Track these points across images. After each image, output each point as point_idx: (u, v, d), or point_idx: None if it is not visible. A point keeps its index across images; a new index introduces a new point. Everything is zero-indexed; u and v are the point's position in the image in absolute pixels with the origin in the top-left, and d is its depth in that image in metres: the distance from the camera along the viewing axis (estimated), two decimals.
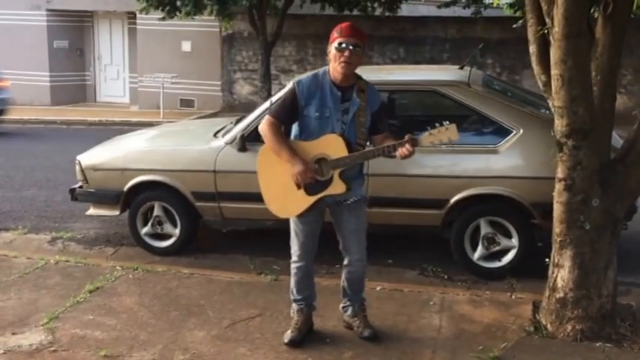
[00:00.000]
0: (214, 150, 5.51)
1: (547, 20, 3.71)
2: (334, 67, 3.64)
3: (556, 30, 3.61)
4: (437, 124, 3.53)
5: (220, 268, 5.40)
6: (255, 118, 5.49)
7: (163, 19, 14.21)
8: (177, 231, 5.72)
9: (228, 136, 5.55)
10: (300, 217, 3.82)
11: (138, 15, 15.68)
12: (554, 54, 3.69)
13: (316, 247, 4.00)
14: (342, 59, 3.57)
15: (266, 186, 3.85)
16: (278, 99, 3.81)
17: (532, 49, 4.05)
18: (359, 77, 3.75)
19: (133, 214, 5.76)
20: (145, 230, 5.77)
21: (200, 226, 5.90)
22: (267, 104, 5.55)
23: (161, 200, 5.69)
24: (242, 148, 5.35)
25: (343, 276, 4.09)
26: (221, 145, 5.52)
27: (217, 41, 17.21)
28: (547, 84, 3.97)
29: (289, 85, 5.55)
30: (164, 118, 14.96)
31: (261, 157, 3.84)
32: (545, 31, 3.79)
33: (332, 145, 3.64)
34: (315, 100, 3.64)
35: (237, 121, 5.90)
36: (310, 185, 3.69)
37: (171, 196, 5.64)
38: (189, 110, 17.10)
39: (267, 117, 3.73)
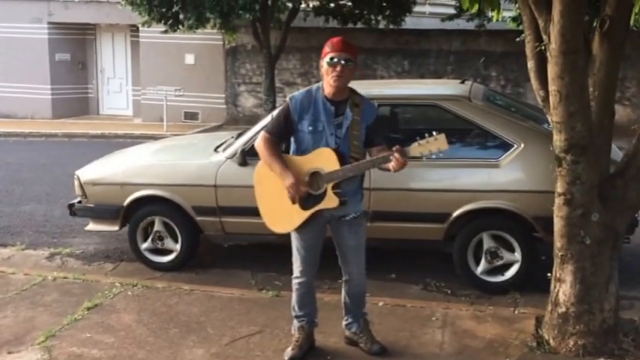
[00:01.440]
0: (215, 164, 5.55)
1: (544, 37, 3.75)
2: (327, 82, 3.70)
3: (553, 47, 3.65)
4: (426, 135, 3.55)
5: (221, 284, 5.42)
6: (256, 133, 5.50)
7: (166, 32, 14.28)
8: (178, 246, 5.74)
9: (229, 151, 5.59)
10: (300, 231, 3.86)
11: (140, 28, 15.76)
12: (552, 70, 3.73)
13: (318, 263, 4.03)
14: (334, 74, 3.63)
15: (262, 201, 3.91)
16: (274, 116, 3.92)
17: (530, 64, 4.10)
18: (354, 91, 3.81)
19: (133, 229, 5.78)
20: (145, 245, 5.79)
21: (201, 241, 5.92)
22: (268, 118, 5.59)
23: (162, 215, 5.71)
24: (243, 163, 5.39)
25: (344, 292, 4.12)
26: (222, 160, 5.56)
27: (221, 54, 17.30)
28: (545, 99, 4.01)
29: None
30: (168, 131, 15.00)
31: (258, 172, 3.90)
32: (543, 47, 3.83)
33: (324, 159, 3.69)
34: (308, 115, 3.72)
35: (239, 136, 5.94)
36: (304, 199, 3.74)
37: (172, 210, 5.67)
38: (193, 123, 17.14)
39: (262, 133, 3.83)
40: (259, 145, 3.79)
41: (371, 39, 15.82)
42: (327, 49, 3.67)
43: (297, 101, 3.75)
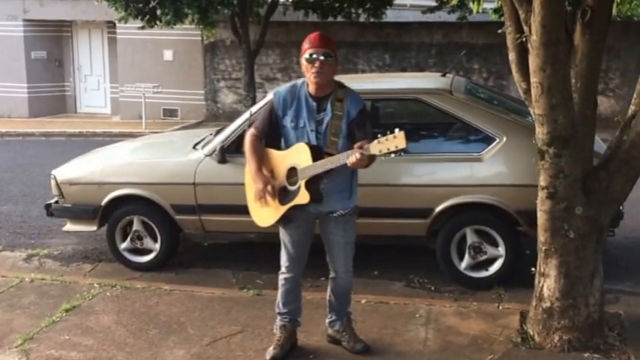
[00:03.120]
0: (194, 162, 5.51)
1: (525, 28, 3.74)
2: (308, 78, 3.70)
3: (534, 38, 3.63)
4: (388, 132, 3.42)
5: (202, 284, 5.39)
6: (235, 129, 5.49)
7: (143, 28, 14.18)
8: (157, 246, 5.70)
9: (208, 148, 5.55)
10: (287, 226, 3.86)
11: (117, 24, 15.64)
12: (533, 62, 3.72)
13: (305, 259, 4.01)
14: (314, 70, 3.63)
15: (250, 196, 3.92)
16: (258, 110, 3.90)
17: (511, 56, 4.08)
18: (341, 86, 3.78)
19: (112, 229, 5.73)
20: (123, 245, 5.75)
21: (181, 240, 5.89)
22: (246, 115, 5.55)
23: (140, 214, 5.68)
24: (222, 160, 5.36)
25: (329, 289, 4.10)
26: (200, 157, 5.52)
27: (199, 50, 17.20)
28: (527, 91, 3.99)
29: (268, 96, 5.60)
30: (147, 129, 14.90)
31: (247, 167, 3.91)
32: (524, 39, 3.82)
33: (298, 155, 3.68)
34: (291, 111, 3.73)
35: (217, 132, 5.90)
36: (282, 195, 3.75)
37: (151, 209, 5.63)
38: (172, 120, 17.05)
39: (250, 130, 3.85)
40: (245, 140, 3.83)
41: (351, 33, 15.80)
42: (305, 45, 3.67)
43: (281, 97, 3.76)
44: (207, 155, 5.49)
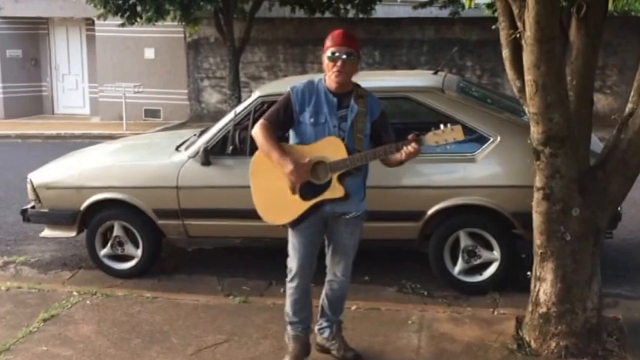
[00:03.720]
0: (176, 164, 5.50)
1: (519, 24, 3.75)
2: (328, 77, 3.71)
3: (528, 34, 3.65)
4: (441, 125, 3.60)
5: (185, 291, 5.38)
6: (219, 130, 5.49)
7: (123, 25, 14.14)
8: (139, 252, 5.69)
9: (191, 150, 5.54)
10: (299, 227, 3.80)
11: (96, 21, 15.59)
12: (527, 59, 3.73)
13: (316, 264, 3.95)
14: (335, 69, 3.65)
15: (259, 193, 3.84)
16: (274, 106, 3.83)
17: (505, 53, 4.10)
18: (357, 85, 3.82)
19: (91, 235, 5.72)
20: (104, 252, 5.73)
21: (164, 245, 5.88)
22: (231, 115, 5.55)
23: (121, 219, 5.66)
24: (206, 162, 5.36)
25: (324, 293, 4.07)
26: (183, 159, 5.51)
27: (182, 48, 17.17)
28: (522, 89, 4.01)
29: (253, 95, 5.59)
30: (127, 130, 14.87)
31: (254, 164, 3.84)
32: (518, 35, 3.83)
33: (331, 148, 3.66)
34: (310, 107, 3.71)
35: (201, 134, 5.89)
36: (305, 190, 3.70)
37: (132, 214, 5.62)
38: (154, 121, 17.01)
39: (260, 120, 3.78)
40: (256, 132, 3.73)
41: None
42: (327, 42, 3.69)
43: (299, 91, 3.74)
44: (190, 157, 5.48)
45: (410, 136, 3.61)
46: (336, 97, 3.72)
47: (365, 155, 3.67)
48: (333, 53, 3.64)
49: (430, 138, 3.61)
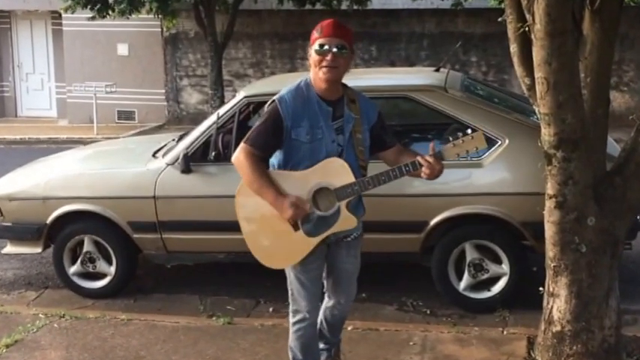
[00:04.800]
0: (153, 172, 5.50)
1: (528, 16, 3.77)
2: (316, 74, 3.48)
3: (538, 27, 3.66)
4: (459, 134, 3.52)
5: (164, 312, 5.38)
6: (201, 134, 5.50)
7: (93, 18, 14.12)
8: (112, 269, 5.69)
9: (170, 156, 5.55)
10: (304, 262, 3.60)
11: (63, 14, 15.56)
12: (537, 55, 3.74)
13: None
14: (324, 63, 3.41)
15: (253, 234, 3.63)
16: (257, 124, 3.57)
17: (513, 48, 4.11)
18: (345, 86, 3.62)
19: (59, 251, 5.70)
20: (73, 269, 5.72)
21: (139, 262, 5.88)
22: (214, 117, 5.56)
23: (92, 233, 5.65)
24: (186, 170, 5.36)
25: (322, 316, 3.96)
26: (161, 167, 5.51)
27: (159, 43, 17.17)
28: (531, 88, 4.02)
29: (238, 96, 5.60)
30: (99, 134, 14.87)
31: (241, 197, 3.61)
32: (527, 29, 3.85)
33: (334, 172, 3.48)
34: (304, 121, 3.48)
35: (180, 138, 5.90)
36: (310, 224, 3.51)
37: (104, 227, 5.61)
38: (128, 124, 17.00)
39: (242, 146, 3.50)
40: (241, 163, 3.48)
41: None
42: (315, 34, 3.46)
43: (289, 104, 3.48)
44: (169, 164, 5.48)
45: (430, 152, 3.46)
46: (330, 106, 3.52)
47: (377, 178, 3.49)
48: (321, 45, 3.40)
49: (450, 150, 3.50)
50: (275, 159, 3.58)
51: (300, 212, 3.45)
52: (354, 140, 3.56)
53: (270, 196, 3.44)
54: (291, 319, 3.76)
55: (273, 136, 3.49)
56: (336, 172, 3.49)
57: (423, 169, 3.46)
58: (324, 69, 3.42)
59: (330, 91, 3.52)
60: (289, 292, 3.73)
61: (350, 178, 3.48)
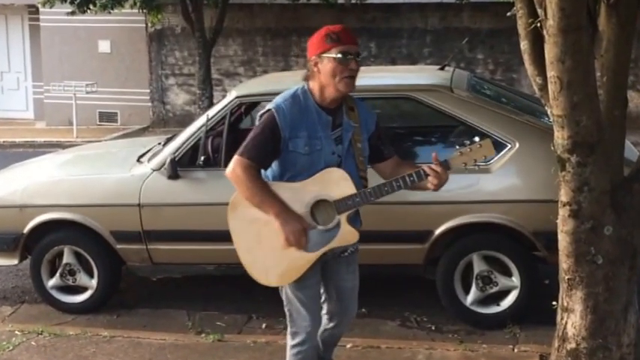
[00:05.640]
0: (138, 178, 5.50)
1: (539, 11, 3.77)
2: (327, 85, 3.49)
3: (550, 23, 3.66)
4: (466, 142, 3.55)
5: (150, 328, 5.37)
6: (189, 138, 5.49)
7: (73, 13, 14.12)
8: (93, 282, 5.67)
9: (156, 161, 5.54)
10: (302, 279, 3.60)
11: (41, 9, 15.55)
12: (550, 52, 3.74)
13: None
14: (348, 73, 3.45)
15: (247, 249, 3.62)
16: (252, 135, 3.55)
17: (524, 45, 4.11)
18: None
19: (37, 263, 5.69)
20: (52, 282, 5.71)
21: (123, 274, 5.87)
22: (203, 119, 5.55)
23: (72, 244, 5.64)
24: (173, 175, 5.35)
25: (319, 338, 3.93)
26: (147, 172, 5.51)
27: (143, 39, 17.17)
28: (544, 87, 4.02)
29: (229, 97, 5.59)
30: (78, 137, 14.87)
31: (233, 211, 3.62)
32: (538, 24, 3.85)
33: (334, 183, 3.51)
34: (302, 131, 3.50)
35: (167, 141, 5.90)
36: (309, 238, 3.51)
37: (85, 237, 5.61)
38: (110, 126, 17.00)
39: (238, 159, 3.50)
40: (237, 175, 3.47)
41: (329, 17, 15.81)
42: (327, 41, 3.46)
43: (286, 113, 3.49)
44: (154, 170, 5.48)
45: (433, 159, 3.49)
46: (331, 115, 3.55)
47: (380, 189, 3.51)
48: (344, 54, 3.42)
49: (457, 159, 3.53)
50: (270, 171, 3.60)
51: (300, 241, 3.46)
52: (354, 149, 3.59)
53: (274, 209, 3.45)
54: (290, 342, 3.74)
55: (271, 146, 3.50)
56: (336, 183, 3.51)
57: (430, 178, 3.48)
58: (346, 79, 3.45)
59: (336, 101, 3.55)
60: (287, 314, 3.73)
61: (351, 189, 3.50)
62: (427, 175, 3.48)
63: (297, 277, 3.58)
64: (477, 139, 3.59)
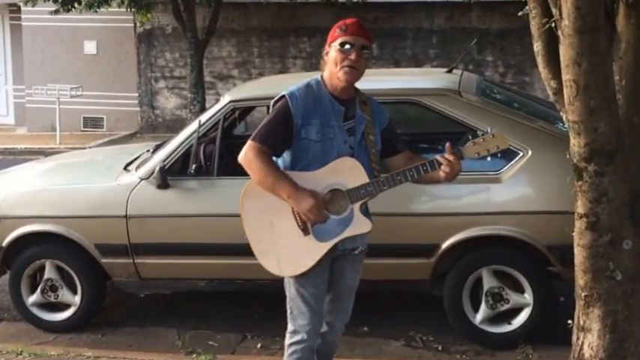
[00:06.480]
0: (125, 188, 5.48)
1: (554, 10, 3.77)
2: (333, 74, 3.68)
3: (566, 23, 3.66)
4: (479, 133, 3.64)
5: (137, 348, 5.37)
6: (180, 144, 5.48)
7: (57, 12, 14.13)
8: (77, 298, 5.66)
9: (144, 169, 5.53)
10: (310, 274, 3.70)
11: (23, 7, 15.57)
12: (565, 54, 3.74)
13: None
14: (347, 63, 3.62)
15: (259, 239, 3.73)
16: (265, 121, 3.69)
17: (537, 47, 4.12)
18: (356, 89, 3.82)
19: (16, 278, 5.68)
20: (32, 299, 5.69)
21: (108, 290, 5.85)
22: (195, 125, 5.54)
23: (54, 257, 5.63)
24: (162, 185, 5.34)
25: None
26: (135, 181, 5.50)
27: (132, 40, 17.19)
28: (558, 91, 4.03)
29: (223, 99, 5.59)
30: (62, 144, 14.88)
31: (247, 198, 3.73)
32: (553, 25, 3.85)
33: (347, 171, 3.64)
34: (315, 119, 3.67)
35: (157, 149, 5.89)
36: (320, 227, 3.64)
37: (68, 251, 5.59)
38: (96, 132, 17.00)
39: (250, 143, 3.65)
40: (249, 158, 3.61)
41: (329, 16, 15.85)
42: (336, 31, 3.68)
43: (300, 100, 3.66)
44: (143, 179, 5.46)
45: (447, 148, 3.62)
46: (343, 106, 3.71)
47: (393, 178, 3.65)
48: (344, 44, 3.62)
49: (470, 149, 3.64)
50: (282, 161, 3.74)
51: (318, 216, 3.58)
52: (366, 141, 3.75)
53: (287, 189, 3.57)
54: (287, 340, 3.84)
55: (284, 133, 3.65)
56: (349, 172, 3.64)
57: (443, 167, 3.61)
58: (345, 68, 3.63)
59: (345, 91, 3.72)
60: (288, 311, 3.82)
61: (364, 178, 3.64)
62: (440, 164, 3.60)
63: (309, 267, 3.67)
64: (489, 129, 3.67)
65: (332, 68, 3.68)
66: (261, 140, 3.63)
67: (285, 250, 3.69)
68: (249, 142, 3.65)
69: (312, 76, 3.81)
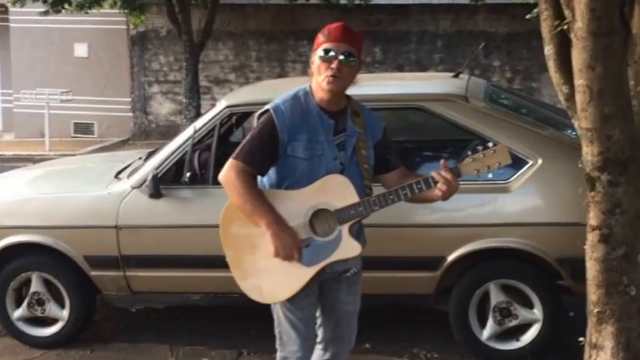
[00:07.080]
0: (116, 197, 5.47)
1: (566, 12, 3.77)
2: (317, 84, 3.58)
3: (579, 25, 3.66)
4: (479, 147, 3.56)
5: None
6: (174, 152, 5.47)
7: (46, 13, 14.16)
8: (64, 313, 5.63)
9: (136, 178, 5.52)
10: (296, 299, 3.63)
11: (10, 9, 15.60)
12: (578, 58, 3.74)
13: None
14: (328, 72, 3.50)
15: (240, 263, 3.69)
16: (248, 137, 3.64)
17: (548, 50, 4.12)
18: (347, 97, 3.70)
19: (1, 292, 5.64)
20: (18, 313, 5.67)
21: (98, 304, 5.84)
22: (189, 131, 5.53)
23: (41, 270, 5.61)
24: (155, 194, 5.32)
25: None
26: (126, 190, 5.48)
27: (125, 43, 17.25)
28: (570, 97, 4.03)
29: (219, 105, 5.57)
30: (51, 151, 14.92)
31: (226, 218, 3.68)
32: (565, 27, 3.84)
33: (335, 190, 3.55)
34: (302, 134, 3.57)
35: (149, 156, 5.88)
36: (307, 251, 3.55)
37: (56, 263, 5.58)
38: (86, 138, 17.04)
39: (232, 162, 3.58)
40: (230, 179, 3.55)
41: (330, 19, 15.78)
42: (320, 37, 3.56)
43: (286, 114, 3.56)
44: (134, 187, 5.45)
45: (442, 165, 3.52)
46: (333, 119, 3.60)
47: (385, 198, 3.54)
48: (326, 51, 3.50)
49: (468, 166, 3.54)
50: (267, 179, 3.65)
51: (291, 252, 3.51)
52: (358, 157, 3.64)
53: (266, 219, 3.50)
54: None
55: (268, 150, 3.56)
56: (338, 191, 3.56)
57: (439, 185, 3.51)
58: (327, 78, 3.51)
59: (332, 102, 3.60)
60: (277, 336, 3.76)
61: (353, 197, 3.54)
62: (436, 182, 3.52)
63: (293, 293, 3.60)
64: (490, 144, 3.58)
65: (317, 78, 3.57)
66: (245, 159, 3.56)
67: (268, 274, 3.62)
68: (230, 161, 3.58)
69: (300, 86, 3.71)
